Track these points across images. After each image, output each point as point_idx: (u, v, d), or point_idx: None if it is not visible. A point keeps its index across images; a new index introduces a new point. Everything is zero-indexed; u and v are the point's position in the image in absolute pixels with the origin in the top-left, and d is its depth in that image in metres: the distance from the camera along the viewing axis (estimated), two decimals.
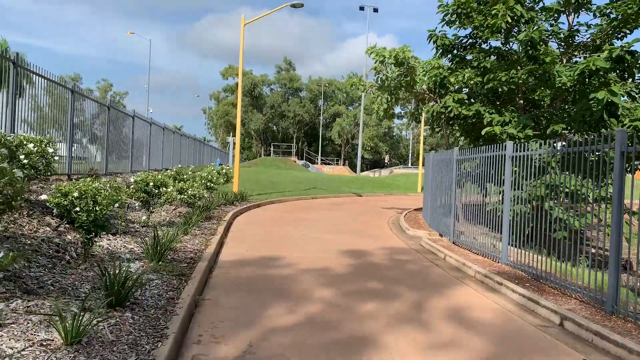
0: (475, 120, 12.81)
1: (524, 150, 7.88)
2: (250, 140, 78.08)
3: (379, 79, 14.28)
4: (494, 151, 8.81)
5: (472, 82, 12.55)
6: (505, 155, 8.39)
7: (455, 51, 14.33)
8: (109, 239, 6.98)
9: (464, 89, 13.93)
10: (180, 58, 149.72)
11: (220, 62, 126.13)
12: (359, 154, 37.43)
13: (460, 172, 10.64)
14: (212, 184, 14.06)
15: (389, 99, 13.90)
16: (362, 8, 37.91)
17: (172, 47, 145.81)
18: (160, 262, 6.07)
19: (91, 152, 13.85)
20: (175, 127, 26.66)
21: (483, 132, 11.12)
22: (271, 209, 15.88)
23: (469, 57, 14.37)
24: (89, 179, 6.05)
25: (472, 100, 13.43)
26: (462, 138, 14.32)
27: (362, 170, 65.58)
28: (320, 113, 70.34)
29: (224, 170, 15.20)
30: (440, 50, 14.20)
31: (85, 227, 5.36)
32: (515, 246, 8.19)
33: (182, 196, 10.53)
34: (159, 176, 8.73)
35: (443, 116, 13.17)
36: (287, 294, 5.83)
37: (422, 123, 32.84)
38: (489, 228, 8.93)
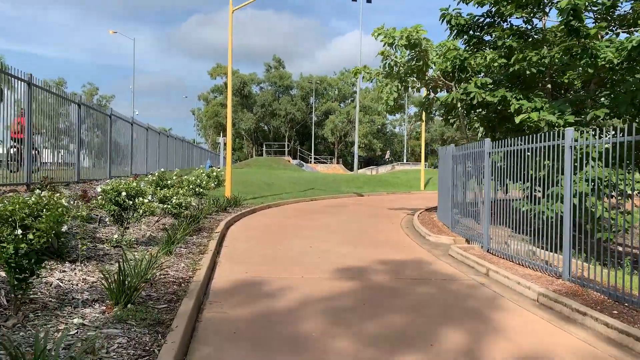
0: (501, 108, 11.22)
1: (595, 138, 6.26)
2: (241, 140, 76.20)
3: (387, 65, 12.65)
4: (544, 141, 7.20)
5: (495, 64, 10.97)
6: (562, 145, 6.78)
7: (471, 32, 12.76)
8: (64, 270, 5.29)
9: (480, 75, 12.35)
10: (167, 60, 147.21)
11: (208, 63, 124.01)
12: (356, 152, 35.78)
13: (493, 168, 9.05)
14: (201, 189, 12.38)
15: (399, 87, 12.28)
16: None
17: (159, 49, 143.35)
18: (129, 305, 4.39)
19: (68, 157, 12.11)
20: (162, 129, 24.87)
21: (518, 120, 9.54)
22: (268, 215, 14.21)
23: (487, 37, 12.80)
24: (27, 194, 4.36)
25: (494, 85, 11.83)
26: (482, 129, 12.74)
27: (359, 168, 64.02)
28: (312, 111, 68.67)
29: (214, 173, 13.51)
30: (455, 31, 12.66)
31: (13, 265, 3.68)
32: (555, 252, 6.62)
33: (166, 206, 8.85)
34: (134, 184, 7.03)
35: (462, 104, 11.57)
36: (308, 346, 4.19)
37: (423, 116, 31.28)
38: (527, 233, 7.34)
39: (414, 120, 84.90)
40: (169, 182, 10.43)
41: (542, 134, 7.38)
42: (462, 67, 11.06)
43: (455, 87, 12.55)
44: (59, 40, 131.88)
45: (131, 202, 6.99)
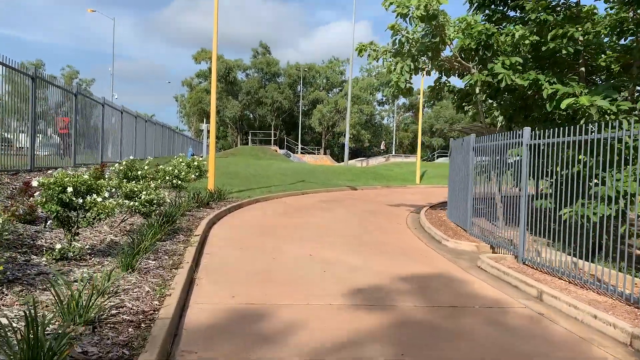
0: (531, 93, 9.66)
1: None
2: (225, 129, 73.96)
3: (397, 41, 10.96)
4: (605, 132, 5.61)
5: (527, 41, 9.38)
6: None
7: (493, 6, 11.15)
8: None
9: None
10: (150, 46, 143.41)
11: (192, 49, 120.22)
12: (346, 143, 34.07)
13: (531, 162, 7.48)
14: (180, 182, 10.62)
15: (412, 67, 10.61)
16: None
17: (142, 35, 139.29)
18: None
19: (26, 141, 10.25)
20: (138, 114, 22.87)
21: (563, 105, 7.97)
22: (257, 211, 12.51)
23: (510, 13, 11.22)
24: None
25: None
26: (501, 118, 11.17)
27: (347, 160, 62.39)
28: (300, 99, 66.73)
29: (195, 163, 11.74)
30: (476, 4, 11.02)
31: None
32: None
33: (133, 203, 7.11)
34: (85, 176, 5.29)
35: (484, 89, 9.99)
36: None
37: (421, 104, 29.90)
38: (570, 243, 5.80)
39: (403, 111, 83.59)
40: (139, 172, 8.67)
41: (599, 125, 5.82)
42: (487, 45, 9.44)
43: (475, 69, 10.95)
44: (40, 23, 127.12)
45: (81, 201, 5.24)
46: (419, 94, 33.11)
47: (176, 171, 10.54)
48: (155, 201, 7.31)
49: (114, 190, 7.42)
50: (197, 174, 12.03)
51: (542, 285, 5.97)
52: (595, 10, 9.91)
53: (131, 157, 8.84)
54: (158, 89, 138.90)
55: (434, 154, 69.84)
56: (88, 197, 5.24)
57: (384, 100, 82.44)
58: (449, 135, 78.97)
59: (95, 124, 15.48)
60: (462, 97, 12.65)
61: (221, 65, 63.61)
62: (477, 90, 10.75)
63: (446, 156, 65.66)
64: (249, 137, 58.03)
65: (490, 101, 11.58)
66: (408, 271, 6.79)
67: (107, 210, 5.27)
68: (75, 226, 5.48)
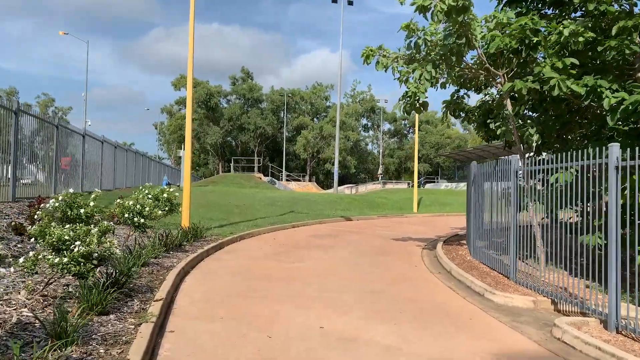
0: (588, 105, 7.72)
1: None
2: (206, 156, 71.62)
3: (412, 43, 9.01)
4: None
5: (581, 39, 7.48)
6: None
7: (526, 2, 9.34)
8: None
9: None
10: (128, 75, 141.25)
11: (172, 77, 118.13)
12: (336, 170, 31.95)
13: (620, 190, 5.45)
14: (143, 220, 8.33)
15: (432, 74, 8.62)
16: (335, 0, 33.00)
17: (118, 62, 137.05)
18: None
19: None
20: (118, 143, 20.50)
21: (636, 118, 6.00)
22: (242, 252, 10.23)
23: (547, 10, 9.41)
24: None
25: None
26: (537, 137, 9.21)
27: (332, 187, 60.31)
28: (284, 125, 64.89)
29: (164, 195, 9.47)
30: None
31: None
32: None
33: (60, 259, 4.83)
34: None
35: (528, 99, 8.04)
36: None
37: (417, 124, 28.17)
38: None
39: (388, 137, 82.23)
40: (82, 210, 6.38)
41: None
42: (532, 44, 7.51)
43: (504, 77, 9.04)
44: (14, 50, 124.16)
45: None
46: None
47: (138, 206, 8.27)
48: (96, 254, 5.04)
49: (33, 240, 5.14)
50: (167, 207, 9.74)
51: None
52: None
53: (71, 190, 6.54)
54: (137, 116, 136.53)
55: (420, 180, 68.15)
56: None
57: (369, 126, 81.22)
58: (435, 160, 77.93)
59: (75, 154, 14.97)
60: (485, 113, 10.73)
61: (202, 91, 61.75)
62: (509, 103, 8.85)
63: (434, 182, 64.07)
64: (232, 164, 55.71)
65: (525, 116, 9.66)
66: (466, 352, 4.60)
67: None
68: None
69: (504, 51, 7.89)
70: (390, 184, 43.94)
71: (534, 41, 7.52)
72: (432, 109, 71.76)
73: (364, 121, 77.13)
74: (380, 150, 70.27)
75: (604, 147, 5.69)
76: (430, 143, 71.88)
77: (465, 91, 10.68)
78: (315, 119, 69.91)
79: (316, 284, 7.45)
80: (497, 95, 11.30)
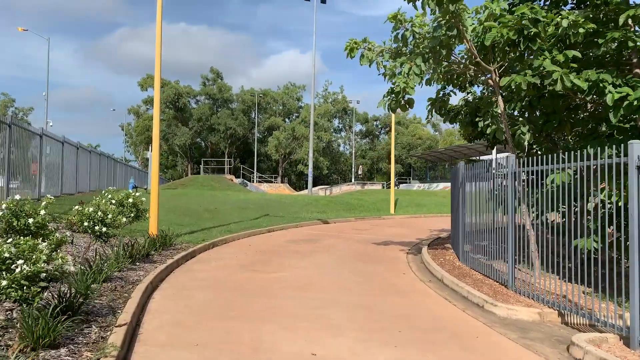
0: (585, 101, 7.26)
1: None
2: (174, 157, 69.82)
3: (400, 35, 8.39)
4: None
5: (581, 30, 7.01)
6: None
7: None
8: None
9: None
10: (93, 75, 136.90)
11: (139, 77, 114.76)
12: (310, 171, 31.25)
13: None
14: (104, 228, 7.44)
15: (422, 68, 8.01)
16: None
17: (82, 61, 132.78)
18: None
19: None
20: (81, 144, 19.20)
21: None
22: (216, 262, 9.42)
23: (540, 2, 8.96)
24: None
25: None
26: (529, 135, 8.74)
27: (305, 188, 59.51)
28: (255, 126, 63.79)
29: (130, 200, 8.58)
30: None
31: None
32: None
33: (0, 283, 3.98)
34: None
35: (524, 96, 7.53)
36: None
37: (393, 123, 27.79)
38: None
39: (360, 138, 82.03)
40: (31, 220, 5.49)
41: None
42: (531, 36, 6.98)
43: (495, 73, 8.54)
44: None
45: None
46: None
47: (99, 213, 7.37)
48: (44, 275, 4.19)
49: None
50: (133, 213, 8.86)
51: None
52: None
53: (17, 197, 5.62)
54: (104, 118, 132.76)
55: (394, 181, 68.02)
56: None
57: (340, 127, 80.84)
58: (406, 161, 78.11)
59: (33, 156, 13.85)
60: (472, 112, 10.23)
61: (170, 91, 60.16)
62: (500, 100, 8.36)
63: (406, 182, 64.04)
64: (201, 166, 54.34)
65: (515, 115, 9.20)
66: None
67: None
68: None
69: (500, 43, 7.34)
70: (365, 184, 43.45)
71: (533, 32, 7.00)
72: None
73: (336, 122, 76.72)
74: (353, 152, 69.88)
75: (620, 145, 5.19)
76: (402, 144, 71.97)
77: (451, 88, 10.16)
78: (287, 120, 69.04)
79: (300, 298, 6.73)
80: (485, 93, 10.85)
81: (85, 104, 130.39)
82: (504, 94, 8.81)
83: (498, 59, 8.26)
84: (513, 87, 7.05)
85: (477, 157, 56.67)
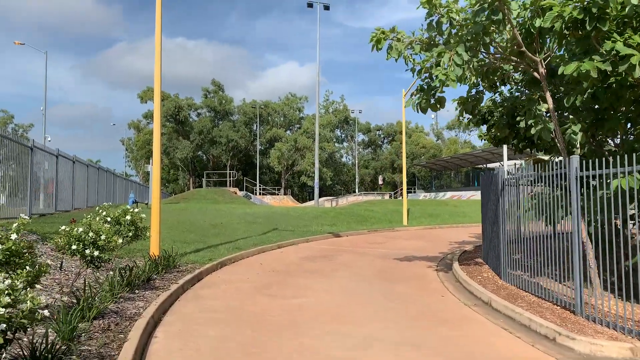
0: None
1: None
2: (176, 171, 68.79)
3: (434, 22, 7.33)
4: None
5: None
6: None
7: None
8: None
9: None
10: (93, 91, 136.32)
11: (138, 90, 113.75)
12: (316, 181, 30.14)
13: None
14: (96, 252, 6.31)
15: (464, 58, 6.92)
16: (310, 5, 31.47)
17: (81, 78, 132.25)
18: None
19: None
20: (77, 158, 18.10)
21: None
22: (225, 286, 8.26)
23: None
24: None
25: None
26: (580, 135, 7.65)
27: (308, 200, 58.31)
28: (257, 137, 62.82)
29: (127, 217, 7.47)
30: None
31: None
32: None
33: None
34: None
35: (586, 85, 6.42)
36: None
37: (404, 128, 26.69)
38: None
39: (362, 148, 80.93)
40: (2, 246, 4.37)
41: None
42: (599, 15, 5.90)
43: (541, 65, 7.45)
44: None
45: None
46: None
47: (91, 234, 6.25)
48: (4, 326, 3.08)
49: None
50: (131, 233, 7.74)
51: None
52: None
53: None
54: (104, 133, 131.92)
55: (396, 191, 66.82)
56: None
57: (342, 137, 79.79)
58: (410, 170, 76.81)
59: (24, 171, 12.81)
60: (509, 112, 9.16)
61: (170, 104, 59.34)
62: (549, 96, 7.27)
63: (411, 192, 62.79)
64: (203, 179, 53.25)
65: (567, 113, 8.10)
66: None
67: None
68: None
69: (558, 27, 6.24)
70: (371, 195, 42.30)
71: (601, 11, 5.91)
72: (407, 119, 70.96)
73: (337, 132, 75.80)
74: (356, 162, 68.81)
75: None
76: (406, 153, 70.74)
77: (481, 88, 9.09)
78: (288, 131, 68.11)
79: (332, 333, 5.58)
80: (520, 90, 9.78)
81: (85, 120, 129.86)
82: (554, 88, 7.72)
83: (546, 48, 7.18)
84: (575, 75, 5.95)
85: (484, 165, 55.54)
